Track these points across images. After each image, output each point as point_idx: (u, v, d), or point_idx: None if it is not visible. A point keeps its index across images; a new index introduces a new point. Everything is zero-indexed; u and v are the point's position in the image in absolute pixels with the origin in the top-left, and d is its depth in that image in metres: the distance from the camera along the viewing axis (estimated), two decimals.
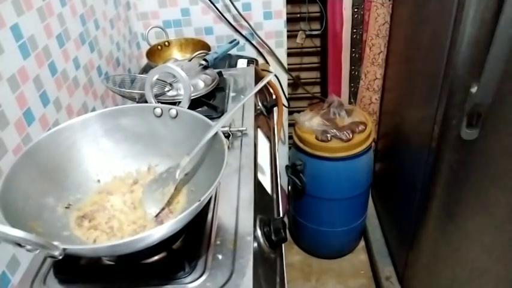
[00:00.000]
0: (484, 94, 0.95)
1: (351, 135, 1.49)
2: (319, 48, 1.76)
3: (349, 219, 1.68)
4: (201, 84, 1.01)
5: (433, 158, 1.16)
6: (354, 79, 1.74)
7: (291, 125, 1.69)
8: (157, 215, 0.63)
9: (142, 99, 0.89)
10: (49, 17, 0.87)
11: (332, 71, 1.72)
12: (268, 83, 1.32)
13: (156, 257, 0.61)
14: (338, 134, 1.49)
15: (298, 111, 1.62)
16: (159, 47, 1.33)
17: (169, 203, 0.65)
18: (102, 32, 1.15)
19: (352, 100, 1.79)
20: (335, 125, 1.52)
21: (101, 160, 0.69)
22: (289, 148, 1.74)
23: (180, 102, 0.77)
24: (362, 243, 1.85)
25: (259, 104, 1.10)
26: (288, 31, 1.55)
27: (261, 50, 1.55)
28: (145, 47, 1.35)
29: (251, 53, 1.54)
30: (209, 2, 1.41)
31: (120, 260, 0.61)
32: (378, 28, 1.59)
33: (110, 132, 0.70)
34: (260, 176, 0.82)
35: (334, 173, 1.54)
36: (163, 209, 0.64)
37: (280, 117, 1.34)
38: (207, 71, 1.06)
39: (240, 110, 1.00)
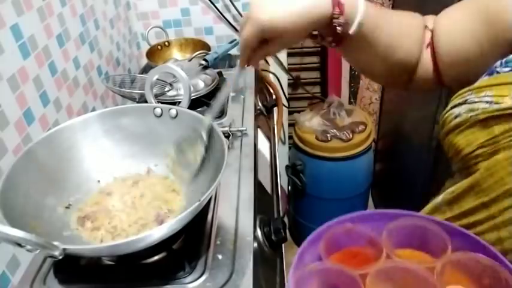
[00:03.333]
0: None
1: (351, 135, 1.49)
2: (319, 48, 1.76)
3: None
4: (201, 84, 1.01)
5: (433, 158, 1.16)
6: (354, 79, 1.74)
7: (291, 125, 1.69)
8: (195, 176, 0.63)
9: (142, 99, 0.89)
10: (49, 17, 0.87)
11: (332, 71, 1.72)
12: (268, 82, 1.32)
13: (156, 257, 0.61)
14: (338, 134, 1.49)
15: (298, 111, 1.62)
16: (159, 47, 1.33)
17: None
18: (102, 32, 1.15)
19: (352, 100, 1.79)
20: (335, 125, 1.52)
21: (101, 160, 0.69)
22: (289, 148, 1.74)
23: (180, 102, 0.78)
24: None
25: (259, 104, 1.10)
26: None
27: None
28: (145, 47, 1.35)
29: None
30: (209, 2, 1.41)
31: (120, 260, 0.61)
32: None
33: (110, 132, 0.70)
34: (260, 176, 0.82)
35: (334, 173, 1.54)
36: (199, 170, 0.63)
37: (280, 117, 1.34)
38: (207, 71, 1.06)
39: (240, 110, 1.00)
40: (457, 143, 0.45)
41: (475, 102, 0.43)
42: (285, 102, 1.68)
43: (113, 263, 0.61)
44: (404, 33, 0.57)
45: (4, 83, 0.71)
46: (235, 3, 1.41)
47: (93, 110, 1.05)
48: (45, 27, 0.85)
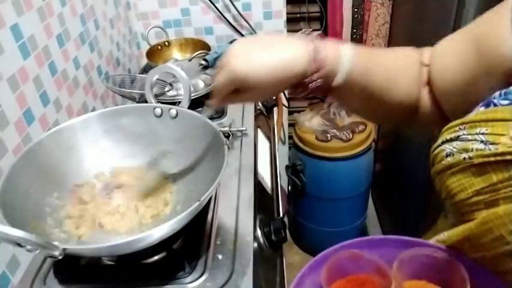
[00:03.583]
0: None
1: (351, 135, 1.49)
2: None
3: (349, 219, 1.68)
4: (201, 84, 1.01)
5: None
6: None
7: (291, 125, 1.69)
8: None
9: (142, 99, 0.89)
10: (49, 17, 0.87)
11: None
12: None
13: (156, 257, 0.61)
14: (338, 134, 1.49)
15: (298, 111, 1.62)
16: (159, 47, 1.33)
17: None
18: (102, 32, 1.15)
19: None
20: (335, 125, 1.52)
21: (100, 160, 0.69)
22: (289, 148, 1.74)
23: (180, 102, 0.77)
24: None
25: (259, 104, 1.10)
26: (288, 31, 1.55)
27: None
28: (145, 47, 1.35)
29: None
30: (209, 2, 1.41)
31: (120, 260, 0.61)
32: (378, 28, 1.59)
33: (110, 132, 0.70)
34: (260, 176, 0.82)
35: (334, 173, 1.54)
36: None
37: (280, 117, 1.34)
38: (207, 71, 1.06)
39: (240, 110, 1.00)
40: (450, 186, 0.40)
41: (469, 140, 0.38)
42: (285, 102, 1.69)
43: (112, 263, 0.61)
44: (400, 73, 0.54)
45: (4, 83, 0.71)
46: (235, 3, 1.41)
47: (93, 110, 1.05)
48: (45, 27, 0.85)
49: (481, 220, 0.36)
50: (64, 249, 0.45)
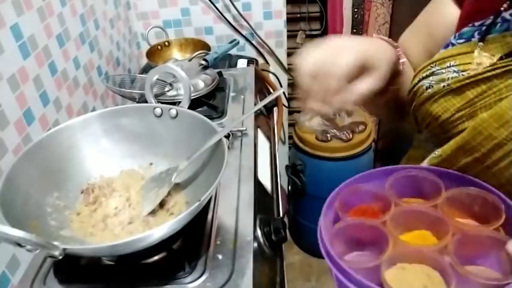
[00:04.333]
0: None
1: (351, 135, 1.49)
2: None
3: None
4: (201, 84, 1.01)
5: None
6: None
7: (291, 125, 1.69)
8: (148, 214, 0.62)
9: (142, 99, 0.89)
10: (49, 17, 0.87)
11: None
12: (268, 82, 1.32)
13: (156, 257, 0.61)
14: (338, 134, 1.49)
15: (298, 111, 1.62)
16: (159, 47, 1.33)
17: (162, 204, 0.64)
18: (102, 32, 1.15)
19: None
20: (335, 125, 1.52)
21: (100, 160, 0.69)
22: (289, 148, 1.75)
23: (180, 102, 0.77)
24: None
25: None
26: (288, 31, 1.56)
27: (261, 50, 1.55)
28: (145, 47, 1.35)
29: (251, 53, 1.54)
30: (209, 2, 1.41)
31: (120, 260, 0.61)
32: (378, 28, 1.59)
33: (110, 132, 0.70)
34: (260, 176, 0.82)
35: (334, 173, 1.53)
36: (154, 209, 0.63)
37: (280, 117, 1.34)
38: (207, 71, 1.06)
39: (240, 110, 1.00)
40: (434, 111, 0.49)
41: (443, 73, 0.48)
42: (285, 102, 1.69)
43: (112, 263, 0.61)
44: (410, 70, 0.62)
45: (4, 83, 0.71)
46: (235, 3, 1.41)
47: (93, 110, 1.05)
48: (45, 27, 0.85)
49: (472, 127, 0.44)
50: (64, 249, 0.45)
